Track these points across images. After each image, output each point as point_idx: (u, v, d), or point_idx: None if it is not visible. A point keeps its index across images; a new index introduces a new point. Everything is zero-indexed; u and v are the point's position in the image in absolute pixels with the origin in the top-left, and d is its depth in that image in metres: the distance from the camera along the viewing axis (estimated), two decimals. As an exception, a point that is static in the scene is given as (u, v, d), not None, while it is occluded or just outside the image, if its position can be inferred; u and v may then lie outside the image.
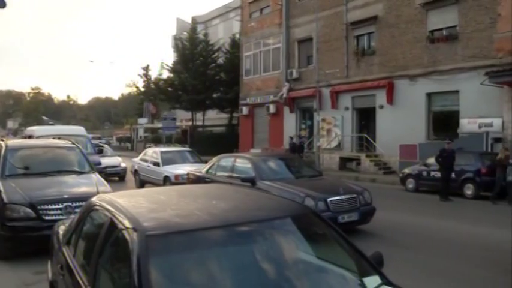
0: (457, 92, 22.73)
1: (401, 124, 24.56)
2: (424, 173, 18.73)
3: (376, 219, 11.05)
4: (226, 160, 13.43)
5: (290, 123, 32.76)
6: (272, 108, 33.62)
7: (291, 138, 28.37)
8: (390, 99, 25.67)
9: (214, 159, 13.99)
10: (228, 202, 3.95)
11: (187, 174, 14.95)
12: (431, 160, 18.03)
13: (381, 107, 26.29)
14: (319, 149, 28.09)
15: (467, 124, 21.69)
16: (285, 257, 3.31)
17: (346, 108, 28.45)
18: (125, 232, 3.20)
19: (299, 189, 10.32)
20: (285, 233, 3.51)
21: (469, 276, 7.69)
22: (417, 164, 19.95)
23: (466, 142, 19.88)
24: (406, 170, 19.91)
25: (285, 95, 32.14)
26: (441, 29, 23.77)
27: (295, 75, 31.69)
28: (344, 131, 28.63)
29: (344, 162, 27.76)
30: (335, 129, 29.07)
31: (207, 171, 13.50)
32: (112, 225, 3.48)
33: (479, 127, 21.12)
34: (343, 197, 10.33)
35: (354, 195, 10.54)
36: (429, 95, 24.21)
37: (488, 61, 21.11)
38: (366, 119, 28.31)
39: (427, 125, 24.25)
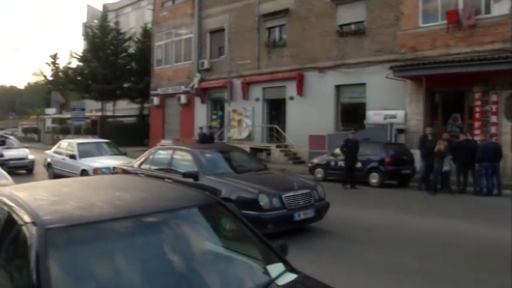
0: (364, 84, 23.14)
1: (311, 115, 24.64)
2: (332, 163, 18.77)
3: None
4: (162, 153, 11.88)
5: (201, 113, 32.16)
6: (183, 99, 32.86)
7: (201, 128, 27.77)
8: (300, 91, 25.70)
9: (148, 152, 12.42)
10: (132, 193, 3.72)
11: (114, 168, 13.27)
12: (339, 150, 18.08)
13: (291, 98, 26.26)
14: (229, 139, 27.73)
15: (373, 116, 22.12)
16: (191, 247, 3.26)
17: (257, 99, 28.21)
18: (23, 227, 2.97)
19: (250, 184, 9.18)
20: (191, 223, 3.45)
21: (366, 256, 7.77)
22: (325, 154, 20.02)
23: (372, 133, 20.28)
24: (315, 160, 19.92)
25: (196, 86, 31.51)
26: (350, 24, 24.08)
27: (206, 65, 31.08)
28: (255, 121, 28.41)
29: (255, 152, 27.40)
30: (246, 120, 28.76)
31: (139, 166, 11.75)
32: (10, 221, 3.21)
33: (384, 119, 21.56)
34: (298, 192, 9.19)
35: (308, 190, 9.43)
36: (338, 87, 24.46)
37: (392, 56, 21.64)
38: (276, 110, 28.21)
39: (335, 116, 24.53)
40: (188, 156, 10.72)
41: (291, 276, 3.19)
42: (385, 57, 21.91)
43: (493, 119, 18.92)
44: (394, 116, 21.34)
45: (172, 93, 34.05)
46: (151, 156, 11.84)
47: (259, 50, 27.96)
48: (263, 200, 8.61)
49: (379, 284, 6.60)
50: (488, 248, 8.40)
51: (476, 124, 19.20)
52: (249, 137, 28.45)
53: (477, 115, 19.31)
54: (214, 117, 32.05)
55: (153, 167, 11.31)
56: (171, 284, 2.93)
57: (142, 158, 12.16)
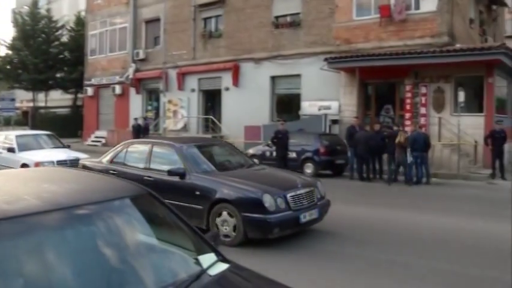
0: (299, 76, 23.05)
1: (247, 106, 24.37)
2: (267, 153, 18.53)
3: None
4: (138, 147, 10.14)
5: (136, 104, 31.20)
6: (118, 89, 31.77)
7: (136, 119, 26.94)
8: (236, 82, 25.36)
9: (120, 146, 10.43)
10: (61, 185, 3.46)
11: (81, 165, 11.05)
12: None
13: (227, 89, 25.88)
14: (165, 130, 27.05)
15: (308, 107, 22.13)
16: (123, 239, 3.10)
17: (193, 90, 27.60)
18: None
19: (251, 183, 7.99)
20: (123, 214, 3.27)
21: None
22: (261, 144, 19.77)
23: (307, 123, 20.25)
24: (251, 151, 19.61)
25: (131, 76, 30.50)
26: (285, 16, 23.92)
27: (142, 56, 30.14)
28: (190, 112, 27.77)
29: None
30: (181, 110, 28.10)
31: (110, 162, 9.95)
32: None
33: (319, 109, 21.61)
34: (302, 191, 8.05)
35: (312, 188, 8.33)
36: (273, 78, 24.30)
37: (327, 48, 21.64)
38: (212, 100, 27.78)
39: (270, 107, 24.39)
40: (171, 151, 9.14)
41: (222, 266, 3.14)
42: (320, 49, 21.88)
43: (422, 110, 19.29)
44: (328, 107, 21.42)
45: (107, 84, 32.87)
46: (124, 151, 9.96)
47: (195, 40, 27.35)
48: (268, 201, 7.44)
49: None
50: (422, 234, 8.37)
51: (407, 115, 19.54)
52: (185, 128, 27.82)
53: (408, 107, 19.66)
54: (149, 108, 31.16)
55: (128, 164, 9.57)
56: (103, 278, 2.78)
57: (111, 152, 10.31)
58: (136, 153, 9.85)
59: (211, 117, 26.73)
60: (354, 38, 20.93)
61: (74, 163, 13.32)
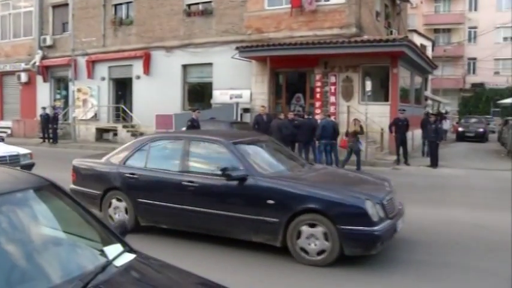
0: (210, 64, 22.52)
1: (158, 95, 23.52)
2: (179, 142, 17.77)
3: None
4: (166, 144, 7.90)
5: (44, 93, 29.25)
6: (24, 77, 29.54)
7: (44, 108, 25.28)
8: (147, 70, 24.39)
9: (136, 143, 8.03)
10: None
11: (74, 166, 8.40)
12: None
13: (138, 77, 24.84)
14: (75, 120, 25.59)
15: (220, 95, 21.74)
16: (27, 232, 2.94)
17: (103, 78, 26.25)
18: None
19: (345, 188, 6.50)
20: (25, 207, 3.07)
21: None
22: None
23: (219, 112, 19.77)
24: (162, 140, 18.77)
25: (37, 63, 28.55)
26: (197, 4, 23.21)
27: (49, 42, 28.23)
28: (101, 101, 26.41)
29: (101, 133, 25.67)
30: (91, 99, 26.65)
31: (124, 163, 7.60)
32: None
33: (230, 98, 21.29)
34: (392, 194, 6.65)
35: (392, 189, 6.90)
36: (185, 67, 23.60)
37: (239, 37, 21.33)
38: (123, 89, 26.64)
39: (182, 95, 23.69)
40: (218, 148, 7.05)
41: (129, 256, 3.05)
42: (231, 38, 21.48)
43: (332, 99, 19.37)
44: (240, 96, 21.13)
45: (11, 71, 30.42)
46: (144, 150, 7.61)
47: (105, 27, 25.97)
48: (370, 209, 5.89)
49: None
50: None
51: (317, 104, 19.55)
52: (95, 117, 26.47)
53: (318, 95, 19.68)
54: (58, 96, 29.34)
55: (153, 166, 7.34)
56: (2, 275, 2.54)
57: (125, 151, 7.86)
58: (165, 152, 7.72)
59: (122, 106, 25.58)
60: (266, 27, 20.67)
61: (14, 160, 11.24)
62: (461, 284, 5.63)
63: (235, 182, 6.40)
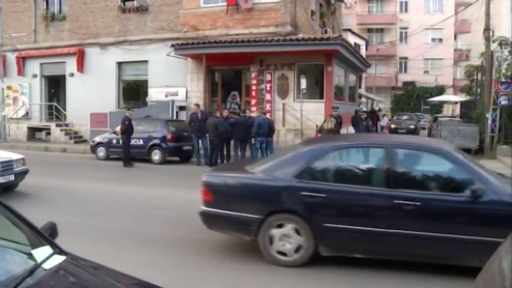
0: (146, 62, 21.99)
1: (92, 92, 22.71)
2: (114, 141, 17.33)
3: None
4: (358, 154, 6.35)
5: (-29, 90, 27.60)
6: (-51, 75, 27.83)
7: (-29, 107, 23.85)
8: (81, 67, 23.47)
9: (310, 151, 6.13)
10: None
11: (207, 182, 6.23)
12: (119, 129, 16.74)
13: (72, 75, 23.87)
14: (4, 118, 24.27)
15: (155, 93, 21.24)
16: None
17: (35, 76, 25.03)
18: None
19: None
20: None
21: (150, 236, 7.12)
22: (107, 132, 18.35)
23: (154, 110, 19.31)
24: (97, 139, 18.26)
25: (-37, 59, 26.94)
26: (133, 0, 22.48)
27: (-25, 37, 26.69)
28: (32, 99, 25.21)
29: (33, 132, 24.49)
30: (22, 97, 25.38)
31: (298, 177, 5.79)
32: None
33: (166, 96, 20.84)
34: None
35: None
36: (119, 64, 22.90)
37: (174, 34, 20.86)
38: (56, 87, 25.54)
39: (117, 93, 22.98)
40: (440, 160, 5.66)
41: (59, 259, 2.91)
42: (167, 35, 20.98)
43: (268, 96, 19.26)
44: (175, 94, 20.71)
45: None
46: (326, 160, 5.96)
47: (36, 22, 24.76)
48: None
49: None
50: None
51: (253, 101, 19.38)
52: (27, 116, 25.25)
53: (253, 93, 19.52)
54: (-14, 94, 27.83)
55: (343, 181, 5.80)
56: None
57: (295, 161, 5.99)
58: (359, 163, 6.15)
59: (55, 104, 24.48)
60: (201, 25, 20.27)
61: (7, 167, 9.71)
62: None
63: (469, 199, 5.26)
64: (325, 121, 16.14)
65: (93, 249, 5.58)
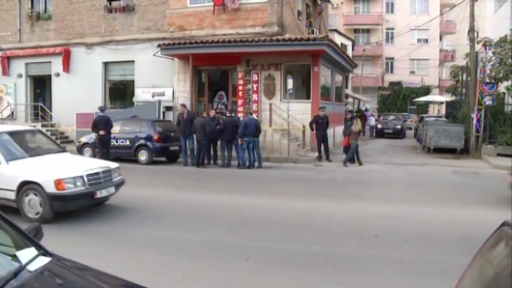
0: (132, 62, 21.83)
1: (79, 93, 22.53)
2: (99, 141, 17.07)
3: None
4: None
5: (-45, 91, 27.19)
6: None
7: (-45, 107, 23.53)
8: (67, 67, 23.20)
9: None
10: None
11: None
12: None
13: (57, 75, 23.60)
14: (-10, 119, 24.02)
15: (142, 93, 21.10)
16: None
17: (20, 75, 24.71)
18: None
19: None
20: None
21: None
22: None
23: (141, 110, 19.12)
24: (83, 139, 18.23)
25: None
26: (119, 0, 22.22)
27: (-40, 37, 26.33)
28: (18, 99, 24.89)
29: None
30: (7, 97, 25.05)
31: None
32: None
33: (153, 96, 20.70)
34: None
35: None
36: (106, 64, 22.68)
37: (161, 34, 20.76)
38: (41, 87, 25.24)
39: (103, 93, 22.74)
40: None
41: (43, 260, 2.89)
42: (153, 35, 20.89)
43: (254, 97, 19.19)
44: (162, 94, 20.59)
45: None
46: None
47: (21, 21, 24.44)
48: None
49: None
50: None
51: (240, 101, 19.29)
52: (12, 116, 24.91)
53: (240, 93, 19.43)
54: (-30, 94, 27.46)
55: None
56: None
57: None
58: None
59: (40, 104, 24.18)
60: (188, 25, 20.15)
61: (107, 177, 8.47)
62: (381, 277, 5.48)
63: None
64: (351, 123, 16.42)
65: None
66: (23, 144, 8.82)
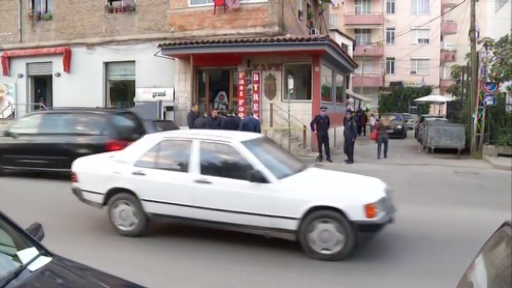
0: (133, 62, 21.80)
1: (79, 93, 22.43)
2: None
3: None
4: None
5: (-44, 91, 27.20)
6: None
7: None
8: (67, 67, 23.19)
9: None
10: None
11: None
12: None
13: (58, 74, 23.59)
14: (-10, 119, 24.02)
15: (143, 93, 21.02)
16: None
17: (21, 75, 24.71)
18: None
19: None
20: None
21: None
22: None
23: (142, 110, 18.91)
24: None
25: None
26: (119, 0, 22.24)
27: (-40, 37, 26.32)
28: (19, 99, 24.90)
29: (19, 132, 24.15)
30: (8, 97, 25.04)
31: None
32: None
33: (153, 96, 20.65)
34: None
35: None
36: (107, 64, 22.66)
37: (162, 34, 20.73)
38: (42, 87, 25.25)
39: (104, 93, 22.74)
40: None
41: (44, 260, 2.89)
42: (154, 35, 20.86)
43: (255, 97, 19.19)
44: (163, 94, 20.52)
45: None
46: None
47: (21, 21, 24.43)
48: None
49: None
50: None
51: (241, 102, 19.32)
52: (13, 116, 24.88)
53: (241, 93, 19.44)
54: (-29, 95, 27.46)
55: None
56: None
57: None
58: None
59: (41, 104, 24.18)
60: (189, 25, 20.16)
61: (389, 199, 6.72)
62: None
63: None
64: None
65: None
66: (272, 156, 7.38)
